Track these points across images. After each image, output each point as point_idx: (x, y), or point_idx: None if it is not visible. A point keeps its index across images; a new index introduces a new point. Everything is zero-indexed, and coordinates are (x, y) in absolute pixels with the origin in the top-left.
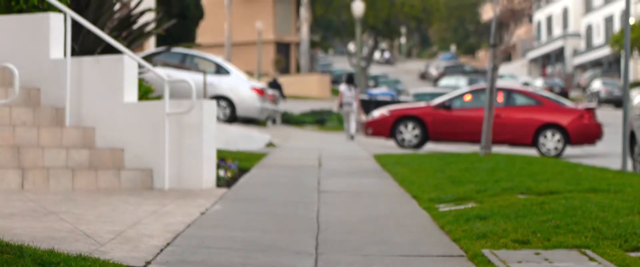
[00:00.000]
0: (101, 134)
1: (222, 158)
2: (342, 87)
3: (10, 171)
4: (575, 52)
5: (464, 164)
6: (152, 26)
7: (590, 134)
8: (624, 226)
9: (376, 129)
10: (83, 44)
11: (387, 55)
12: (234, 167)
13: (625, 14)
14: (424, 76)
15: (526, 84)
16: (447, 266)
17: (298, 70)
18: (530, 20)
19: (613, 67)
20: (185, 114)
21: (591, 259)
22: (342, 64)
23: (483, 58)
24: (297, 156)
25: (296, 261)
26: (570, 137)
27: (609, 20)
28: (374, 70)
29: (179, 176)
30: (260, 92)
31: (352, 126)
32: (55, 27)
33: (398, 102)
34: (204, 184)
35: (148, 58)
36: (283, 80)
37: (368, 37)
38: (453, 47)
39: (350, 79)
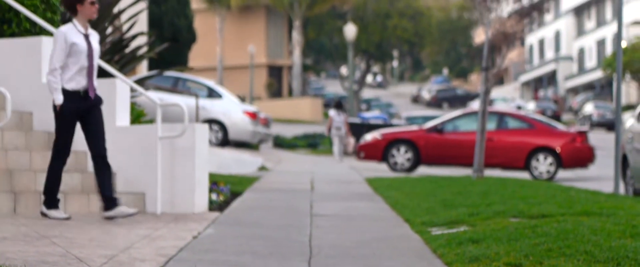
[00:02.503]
0: None
1: (215, 182)
2: (332, 112)
3: (3, 195)
4: (568, 76)
5: (457, 188)
6: (144, 50)
7: (582, 157)
8: (616, 250)
9: (368, 152)
10: None
11: (379, 78)
12: (226, 190)
13: (617, 37)
14: (416, 99)
15: (518, 107)
16: None
17: (290, 93)
18: (523, 43)
19: (605, 91)
20: (178, 137)
21: None
22: (334, 88)
23: (475, 81)
24: (290, 180)
25: None
26: (562, 161)
27: (601, 44)
28: (367, 93)
29: (172, 199)
30: (253, 115)
31: (340, 149)
32: (48, 51)
33: (390, 125)
34: (197, 208)
35: (140, 82)
36: (275, 103)
37: (360, 60)
38: (445, 71)
39: (339, 105)
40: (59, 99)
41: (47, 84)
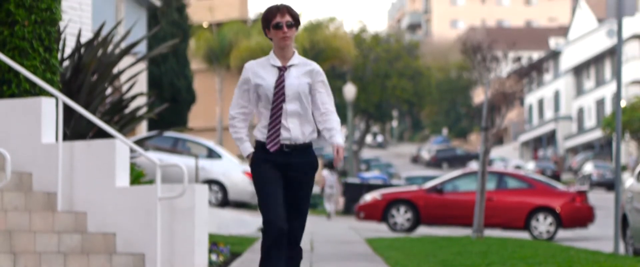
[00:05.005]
0: (93, 219)
1: (214, 242)
2: (325, 173)
3: (2, 256)
4: (567, 135)
5: (456, 248)
6: (144, 110)
7: (582, 217)
8: None
9: (368, 212)
10: (75, 128)
11: (379, 138)
12: (226, 251)
13: (616, 97)
14: (416, 159)
15: (518, 167)
16: None
17: None
18: (522, 103)
19: (605, 150)
20: (177, 198)
21: None
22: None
23: (475, 141)
24: None
25: None
26: (562, 221)
27: (600, 103)
28: (366, 154)
29: (171, 260)
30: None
31: (332, 208)
32: (47, 111)
33: (390, 185)
34: None
35: (140, 142)
36: None
37: (360, 120)
38: (445, 131)
39: (331, 165)
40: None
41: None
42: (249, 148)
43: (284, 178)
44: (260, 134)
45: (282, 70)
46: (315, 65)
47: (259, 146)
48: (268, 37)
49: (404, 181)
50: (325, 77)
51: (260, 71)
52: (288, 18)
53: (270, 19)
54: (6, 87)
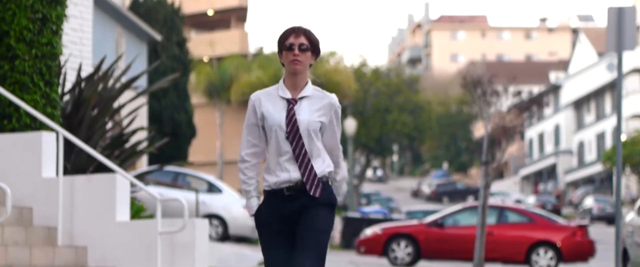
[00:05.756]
0: (93, 254)
1: None
2: None
3: None
4: (567, 169)
5: None
6: (144, 145)
7: (582, 251)
8: None
9: (368, 247)
10: (75, 163)
11: (379, 173)
12: None
13: (617, 130)
14: (416, 194)
15: (518, 201)
16: None
17: None
18: (522, 137)
19: (605, 184)
20: (178, 233)
21: None
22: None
23: (475, 175)
24: None
25: None
26: (563, 255)
27: (600, 137)
28: (367, 188)
29: None
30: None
31: None
32: (48, 146)
33: (390, 220)
34: None
35: (140, 176)
36: None
37: (360, 155)
38: (445, 165)
39: None
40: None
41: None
42: (254, 205)
43: (296, 223)
44: (270, 179)
45: (291, 103)
46: (332, 98)
47: (267, 196)
48: (281, 63)
49: (404, 215)
50: (340, 109)
51: (267, 103)
52: (303, 40)
53: (284, 40)
54: (7, 121)
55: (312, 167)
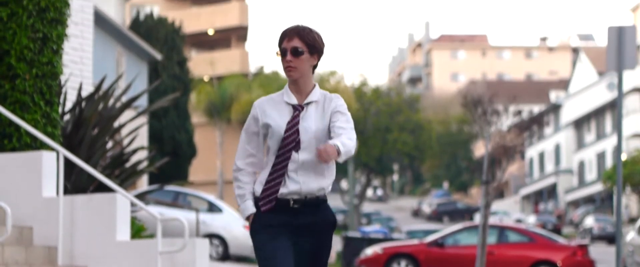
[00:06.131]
0: None
1: None
2: None
3: None
4: (568, 189)
5: None
6: (144, 164)
7: None
8: None
9: (369, 266)
10: (76, 182)
11: (379, 192)
12: None
13: (617, 150)
14: (417, 213)
15: (519, 220)
16: None
17: None
18: (523, 157)
19: (605, 204)
20: (178, 252)
21: None
22: (335, 202)
23: (476, 195)
24: None
25: None
26: None
27: (601, 157)
28: (367, 207)
29: None
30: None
31: None
32: (48, 165)
33: (391, 239)
34: None
35: (141, 196)
36: None
37: (361, 174)
38: (446, 184)
39: None
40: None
41: None
42: (249, 207)
43: (294, 242)
44: (258, 188)
45: (297, 109)
46: (333, 96)
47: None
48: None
49: (405, 234)
50: (344, 105)
51: (271, 110)
52: (296, 43)
53: (279, 46)
54: (7, 141)
55: (306, 180)
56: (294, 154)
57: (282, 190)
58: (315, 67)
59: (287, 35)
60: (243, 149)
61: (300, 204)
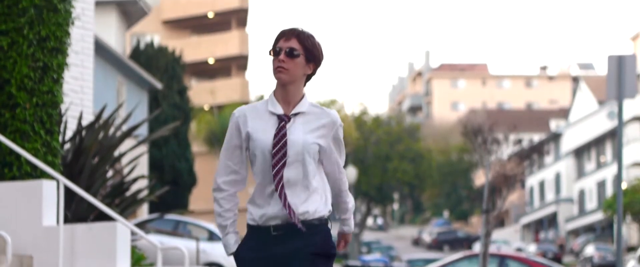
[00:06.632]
0: None
1: None
2: None
3: None
4: (568, 218)
5: None
6: (145, 193)
7: None
8: None
9: None
10: (76, 211)
11: (380, 221)
12: None
13: (617, 179)
14: (417, 242)
15: (519, 249)
16: None
17: None
18: (523, 185)
19: (606, 232)
20: None
21: None
22: (334, 231)
23: (476, 224)
24: None
25: None
26: None
27: (601, 185)
28: (367, 236)
29: None
30: None
31: None
32: (48, 194)
33: None
34: None
35: (141, 225)
36: None
37: (361, 203)
38: (446, 213)
39: None
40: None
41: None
42: (231, 243)
43: None
44: (254, 212)
45: (283, 119)
46: (333, 115)
47: (250, 232)
48: None
49: (405, 263)
50: (342, 130)
51: (254, 120)
52: (293, 44)
53: (273, 46)
54: (7, 169)
55: (291, 201)
56: (283, 173)
57: (269, 214)
58: (309, 78)
59: (285, 35)
60: (224, 165)
61: (286, 230)
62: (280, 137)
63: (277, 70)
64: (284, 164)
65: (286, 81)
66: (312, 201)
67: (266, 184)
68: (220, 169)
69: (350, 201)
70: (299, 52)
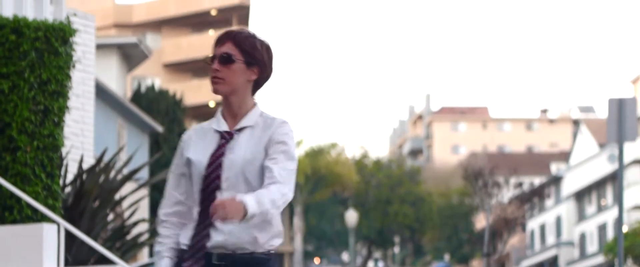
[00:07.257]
0: None
1: None
2: None
3: None
4: (569, 261)
5: None
6: (145, 237)
7: None
8: None
9: None
10: (77, 255)
11: (380, 264)
12: None
13: (618, 222)
14: None
15: None
16: None
17: None
18: (524, 229)
19: None
20: None
21: None
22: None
23: None
24: None
25: None
26: None
27: (602, 229)
28: None
29: None
30: None
31: None
32: (49, 237)
33: None
34: None
35: None
36: None
37: (362, 246)
38: (447, 257)
39: None
40: None
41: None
42: None
43: None
44: (183, 239)
45: (225, 137)
46: (277, 120)
47: (179, 259)
48: None
49: None
50: (289, 133)
51: (197, 142)
52: (227, 49)
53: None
54: (8, 213)
55: (232, 229)
56: (217, 195)
57: (207, 243)
58: (257, 86)
59: (219, 40)
60: (169, 195)
61: (228, 261)
62: (215, 157)
63: (212, 81)
64: (216, 188)
65: (225, 92)
66: (255, 230)
67: (198, 212)
68: (164, 199)
69: (280, 191)
70: (235, 58)
